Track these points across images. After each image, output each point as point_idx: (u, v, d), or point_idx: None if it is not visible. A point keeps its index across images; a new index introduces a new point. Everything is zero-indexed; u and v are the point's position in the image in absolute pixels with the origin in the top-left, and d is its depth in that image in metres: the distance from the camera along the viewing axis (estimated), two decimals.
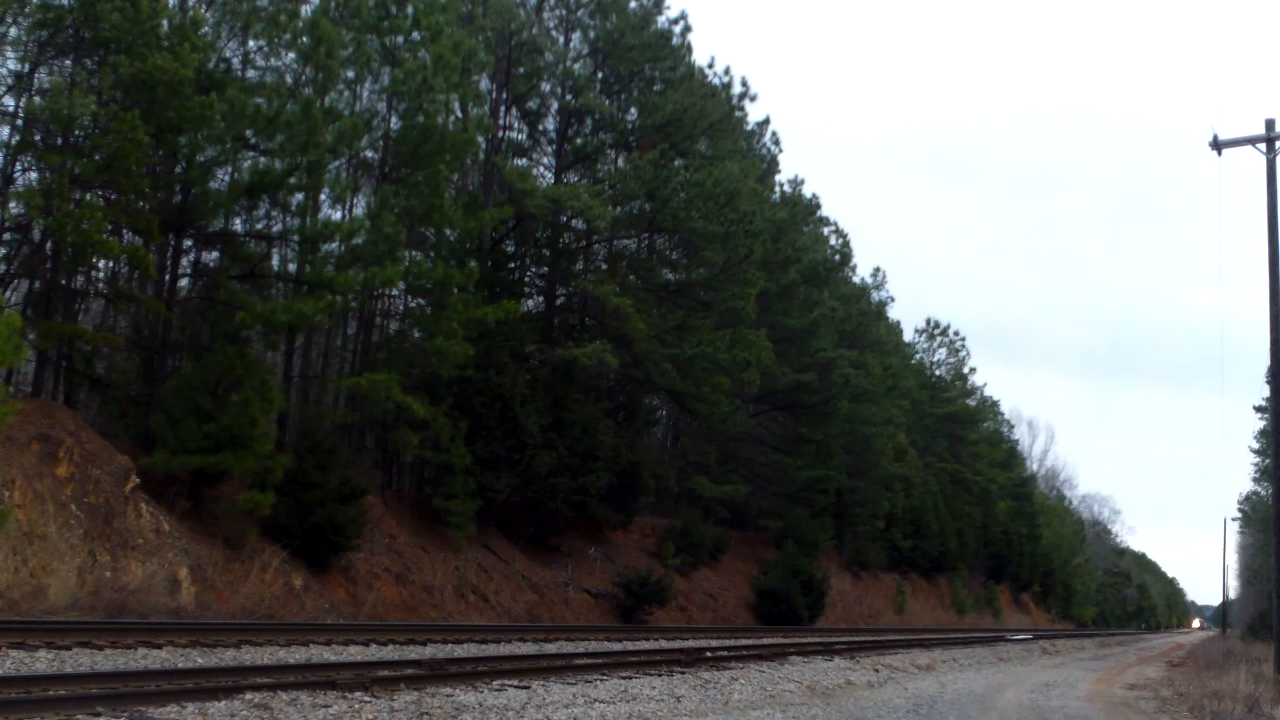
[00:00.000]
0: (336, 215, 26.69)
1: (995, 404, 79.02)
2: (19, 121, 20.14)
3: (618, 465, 31.19)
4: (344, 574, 22.94)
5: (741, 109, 37.54)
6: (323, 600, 21.51)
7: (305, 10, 22.50)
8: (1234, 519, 69.95)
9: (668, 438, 43.71)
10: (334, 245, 23.16)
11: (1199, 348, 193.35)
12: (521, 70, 31.43)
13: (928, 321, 71.11)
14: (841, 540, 49.26)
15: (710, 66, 35.76)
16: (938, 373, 69.45)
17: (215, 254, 25.45)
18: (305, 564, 21.82)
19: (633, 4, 33.00)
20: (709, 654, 16.48)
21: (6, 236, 20.95)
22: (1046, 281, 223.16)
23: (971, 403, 71.65)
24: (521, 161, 32.83)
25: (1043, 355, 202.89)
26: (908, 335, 66.09)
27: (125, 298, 23.11)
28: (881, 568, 53.62)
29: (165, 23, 20.38)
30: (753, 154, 40.75)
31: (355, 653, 14.96)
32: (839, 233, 48.78)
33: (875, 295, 56.69)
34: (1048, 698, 15.63)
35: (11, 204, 19.99)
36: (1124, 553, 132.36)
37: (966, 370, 71.57)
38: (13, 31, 19.52)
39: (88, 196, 19.81)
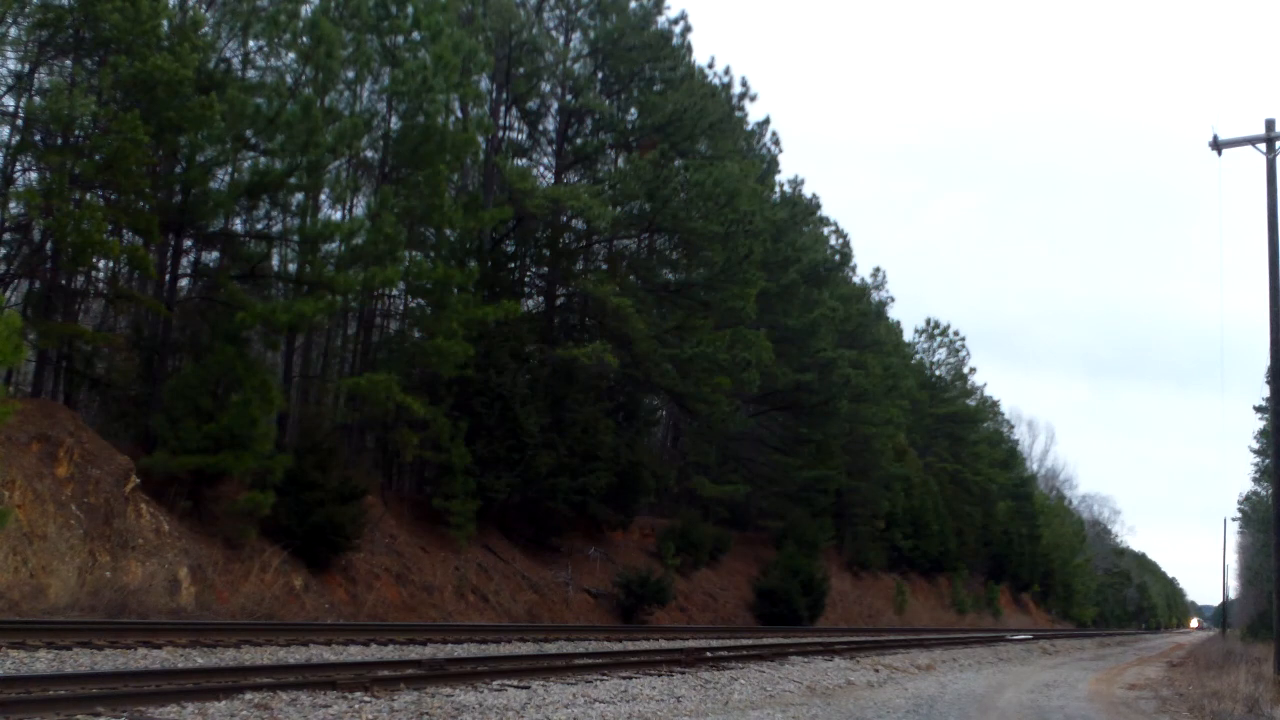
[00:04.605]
0: (336, 215, 26.72)
1: (995, 404, 79.12)
2: (19, 121, 20.13)
3: (618, 465, 31.18)
4: (344, 574, 22.94)
5: (741, 109, 37.57)
6: (323, 600, 21.51)
7: (305, 10, 22.48)
8: (1234, 519, 70.01)
9: (668, 438, 43.70)
10: (334, 245, 23.15)
11: (1199, 348, 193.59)
12: (521, 70, 31.44)
13: (928, 321, 71.19)
14: (841, 540, 49.26)
15: (710, 66, 35.78)
16: (938, 373, 69.44)
17: (215, 254, 25.44)
18: (305, 564, 21.82)
19: (633, 4, 33.00)
20: (709, 654, 16.47)
21: (6, 236, 20.94)
22: (1046, 281, 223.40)
23: (971, 403, 71.64)
24: (521, 161, 32.84)
25: (1043, 355, 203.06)
26: (908, 335, 66.16)
27: (125, 298, 23.10)
28: (881, 568, 53.61)
29: (165, 23, 20.37)
30: (753, 154, 40.73)
31: (355, 653, 14.95)
32: (839, 233, 48.80)
33: (875, 295, 56.71)
34: (1048, 698, 15.63)
35: (11, 204, 19.99)
36: (1124, 553, 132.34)
37: (966, 370, 71.63)
38: (13, 31, 19.51)
39: (88, 196, 19.80)
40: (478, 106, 29.01)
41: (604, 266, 34.18)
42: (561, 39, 33.07)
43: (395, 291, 29.85)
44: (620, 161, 33.78)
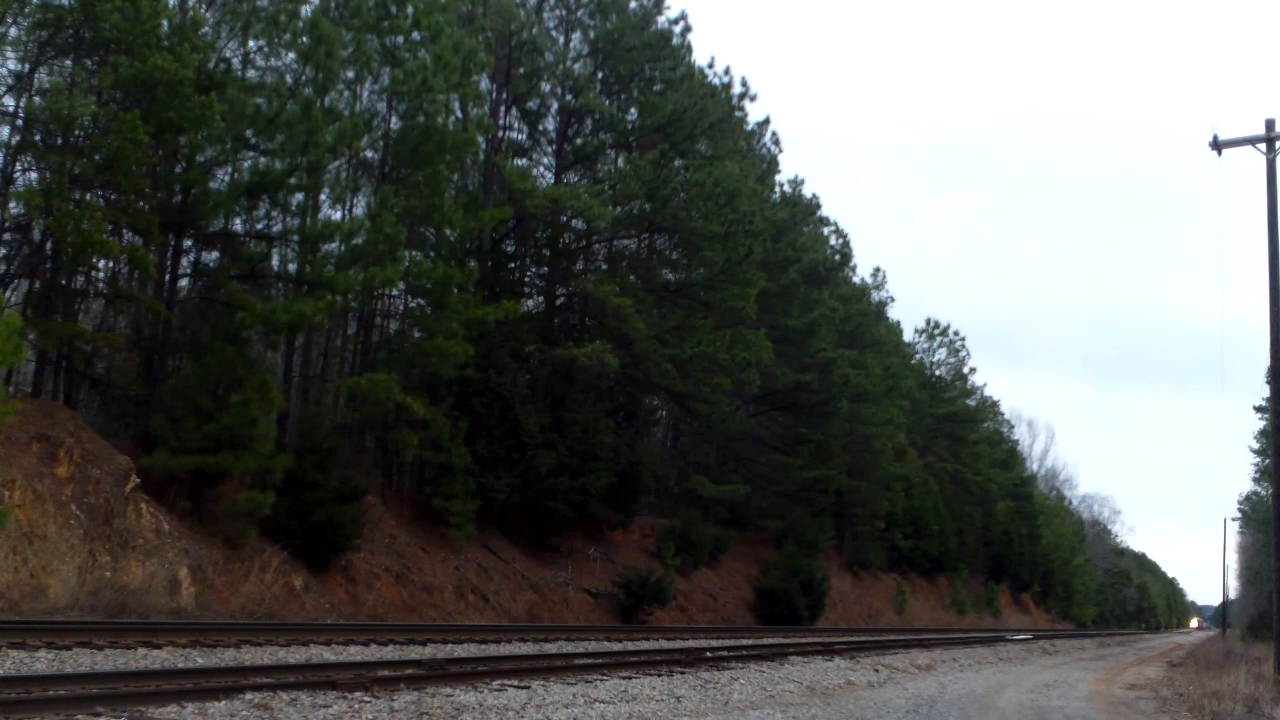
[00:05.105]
0: (336, 215, 26.70)
1: (995, 404, 79.09)
2: (19, 121, 20.13)
3: (618, 465, 31.18)
4: (344, 574, 22.94)
5: (741, 109, 37.55)
6: (323, 600, 21.50)
7: (305, 10, 22.48)
8: (1234, 519, 69.99)
9: (668, 438, 43.70)
10: (334, 245, 23.15)
11: (1199, 348, 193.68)
12: (521, 70, 31.43)
13: (928, 321, 71.14)
14: (841, 540, 49.24)
15: (710, 66, 35.77)
16: (938, 373, 69.41)
17: (215, 254, 25.43)
18: (305, 564, 21.82)
19: (633, 4, 32.99)
20: (709, 654, 16.47)
21: (6, 236, 20.94)
22: (1046, 281, 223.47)
23: (971, 403, 71.62)
24: (521, 161, 32.84)
25: (1043, 355, 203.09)
26: (908, 335, 66.12)
27: (125, 298, 23.09)
28: (881, 568, 53.61)
29: (165, 23, 20.36)
30: (753, 154, 40.73)
31: (355, 653, 14.96)
32: (839, 233, 48.81)
33: (875, 295, 56.69)
34: (1048, 698, 15.63)
35: (11, 204, 19.97)
36: (1124, 553, 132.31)
37: (966, 370, 71.60)
38: (13, 31, 19.50)
39: (88, 196, 19.80)
40: (478, 106, 29.00)
41: (604, 266, 34.17)
42: (561, 39, 33.07)
43: (395, 291, 29.85)
44: (620, 161, 33.77)
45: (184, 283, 25.03)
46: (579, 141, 33.78)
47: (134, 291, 23.52)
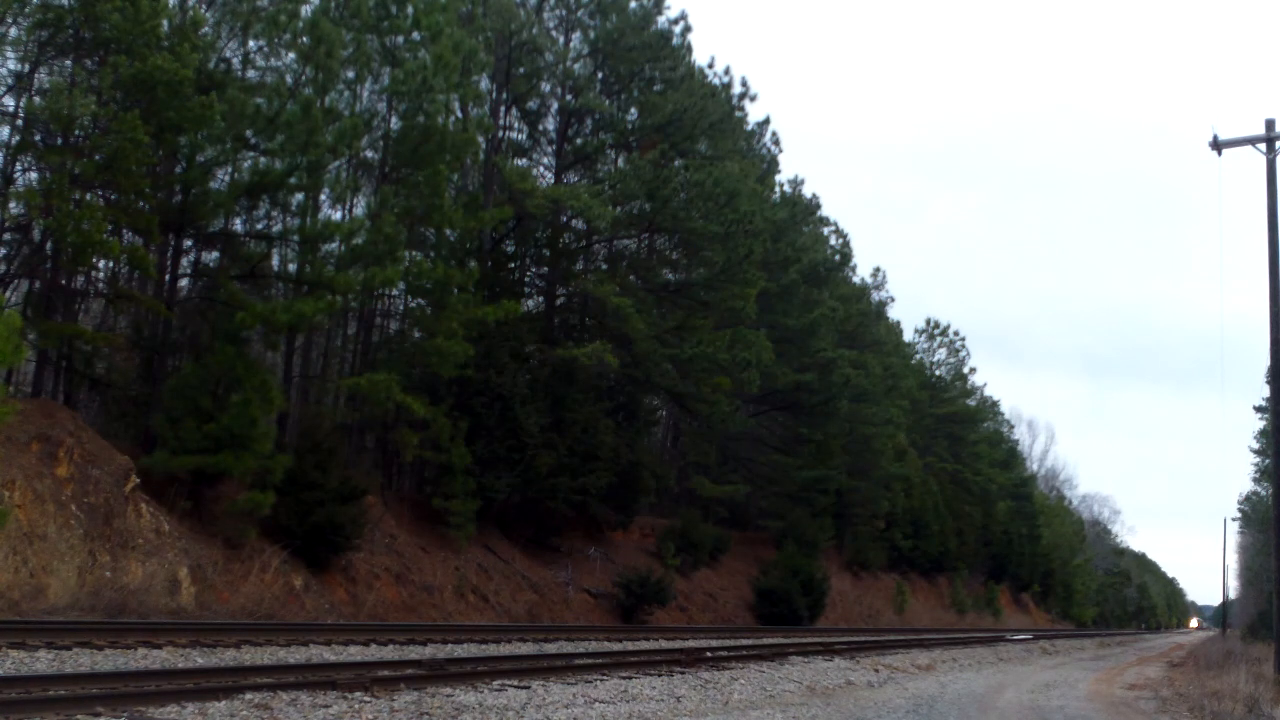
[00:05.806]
0: (336, 215, 26.71)
1: (995, 404, 79.09)
2: (19, 121, 20.13)
3: (618, 465, 31.18)
4: (344, 574, 22.94)
5: (741, 109, 37.50)
6: (323, 600, 21.50)
7: (305, 10, 22.47)
8: (1234, 519, 69.98)
9: (668, 438, 43.70)
10: (334, 245, 23.15)
11: (1199, 348, 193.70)
12: (521, 70, 31.42)
13: (928, 321, 71.15)
14: (841, 540, 49.25)
15: (710, 66, 35.72)
16: (938, 373, 69.41)
17: (215, 254, 25.45)
18: (305, 564, 21.82)
19: (633, 4, 32.97)
20: (709, 654, 16.47)
21: (6, 236, 20.94)
22: (1046, 282, 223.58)
23: (971, 403, 71.61)
24: (521, 161, 32.83)
25: (1043, 355, 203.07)
26: (908, 335, 66.13)
27: (125, 298, 23.09)
28: (881, 568, 53.61)
29: (165, 23, 20.37)
30: (753, 154, 40.71)
31: (355, 653, 14.95)
32: (839, 233, 48.83)
33: (875, 295, 56.71)
34: (1048, 698, 15.63)
35: (11, 204, 19.98)
36: (1124, 553, 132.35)
37: (966, 370, 71.58)
38: (13, 31, 19.51)
39: (88, 196, 19.80)
40: (478, 106, 28.99)
41: (604, 266, 34.17)
42: (561, 39, 33.05)
43: (395, 291, 29.84)
44: (620, 161, 33.76)
45: (184, 283, 25.05)
46: (579, 141, 33.78)
47: (134, 291, 23.52)
